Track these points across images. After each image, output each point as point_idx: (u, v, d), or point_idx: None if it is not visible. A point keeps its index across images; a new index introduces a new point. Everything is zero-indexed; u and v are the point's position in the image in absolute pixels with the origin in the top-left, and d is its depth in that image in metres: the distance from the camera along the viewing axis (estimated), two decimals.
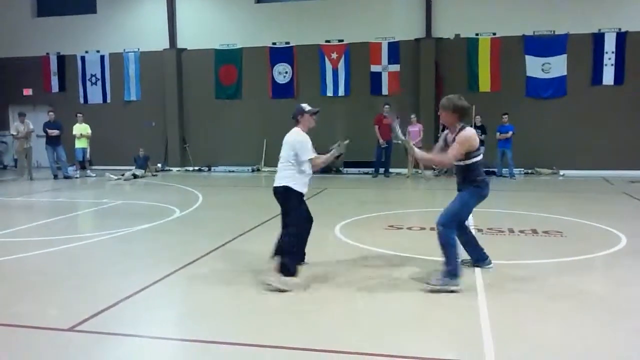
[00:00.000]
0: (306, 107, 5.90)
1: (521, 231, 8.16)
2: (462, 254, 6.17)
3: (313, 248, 6.37)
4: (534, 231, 8.14)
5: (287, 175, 5.68)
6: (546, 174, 16.14)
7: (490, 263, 6.10)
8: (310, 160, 5.70)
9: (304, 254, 6.17)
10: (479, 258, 6.09)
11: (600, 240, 7.57)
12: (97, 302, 5.07)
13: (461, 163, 5.55)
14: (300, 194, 5.72)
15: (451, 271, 5.35)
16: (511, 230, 8.22)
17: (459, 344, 4.21)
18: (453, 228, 5.50)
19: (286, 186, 5.65)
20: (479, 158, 5.58)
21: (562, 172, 16.07)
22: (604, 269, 6.44)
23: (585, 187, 13.65)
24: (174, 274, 6.04)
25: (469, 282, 5.63)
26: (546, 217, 9.35)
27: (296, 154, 5.66)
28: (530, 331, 4.42)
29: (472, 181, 5.56)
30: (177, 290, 5.61)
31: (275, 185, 5.77)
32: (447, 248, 5.43)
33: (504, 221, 9.07)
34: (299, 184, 5.69)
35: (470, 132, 5.48)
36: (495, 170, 15.84)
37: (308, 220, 6.05)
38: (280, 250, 5.66)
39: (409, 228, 8.55)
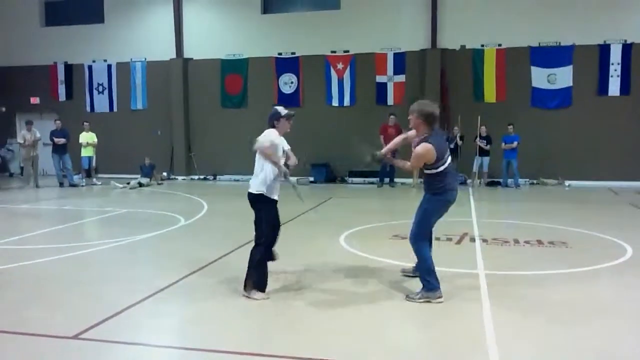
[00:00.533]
0: (283, 110, 5.70)
1: (526, 241, 8.14)
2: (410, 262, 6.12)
3: (318, 257, 6.37)
4: (539, 242, 8.12)
5: (259, 181, 5.55)
6: (552, 184, 16.09)
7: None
8: (260, 147, 5.40)
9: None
10: None
11: (605, 251, 7.54)
12: (102, 310, 5.09)
13: (426, 171, 5.51)
14: (272, 201, 5.62)
15: (427, 285, 5.34)
16: (516, 241, 8.19)
17: (464, 352, 4.20)
18: (424, 240, 5.50)
19: (257, 194, 5.55)
20: (442, 169, 5.42)
21: (567, 182, 16.02)
22: (610, 279, 6.40)
23: (591, 198, 13.61)
24: (178, 283, 6.05)
25: (474, 292, 5.63)
26: (551, 227, 9.32)
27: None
28: (535, 340, 4.41)
29: (430, 188, 5.51)
30: (181, 299, 5.61)
31: (248, 190, 5.66)
32: (422, 262, 5.43)
33: (509, 231, 9.05)
34: (270, 190, 5.57)
35: (424, 148, 5.29)
36: (501, 180, 15.82)
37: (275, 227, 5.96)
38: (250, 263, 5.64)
39: None
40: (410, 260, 6.80)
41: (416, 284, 5.56)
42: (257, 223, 5.63)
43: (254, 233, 5.66)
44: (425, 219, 5.52)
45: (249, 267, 5.57)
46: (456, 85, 16.87)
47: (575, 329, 4.71)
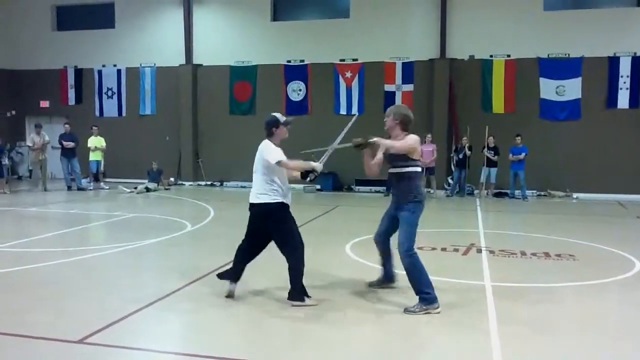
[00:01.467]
0: (281, 117, 5.61)
1: (533, 254, 8.09)
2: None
3: (323, 266, 6.36)
4: (546, 254, 8.07)
5: (265, 189, 5.41)
6: (559, 196, 16.01)
7: (395, 282, 6.06)
8: (279, 163, 5.34)
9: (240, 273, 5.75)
10: (389, 275, 6.05)
11: (613, 265, 7.49)
12: (107, 314, 5.09)
13: (402, 170, 5.48)
14: (286, 206, 5.48)
15: (428, 298, 5.29)
16: (523, 253, 8.15)
17: None
18: (415, 251, 5.42)
19: (277, 202, 5.39)
20: (418, 169, 5.53)
21: (575, 195, 15.94)
22: (618, 293, 6.36)
23: (599, 211, 13.54)
24: (184, 289, 6.04)
25: (480, 303, 5.60)
26: (559, 240, 9.27)
27: (265, 160, 5.39)
28: (541, 355, 4.37)
29: (412, 195, 5.45)
30: (186, 306, 5.59)
31: (253, 202, 5.48)
32: (416, 274, 5.36)
33: (516, 243, 9.01)
34: (280, 195, 5.43)
35: (415, 137, 5.49)
36: (508, 191, 15.77)
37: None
38: (234, 272, 5.61)
39: (420, 248, 8.42)
40: None
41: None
42: (286, 233, 5.46)
43: (251, 242, 5.61)
44: (413, 230, 5.45)
45: (294, 278, 5.42)
46: (464, 95, 16.87)
47: (582, 343, 4.68)
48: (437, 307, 5.28)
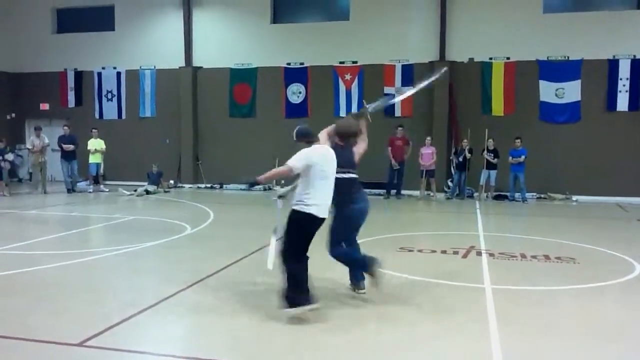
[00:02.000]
0: None
1: (533, 256, 8.09)
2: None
3: (322, 269, 6.33)
4: (546, 257, 8.07)
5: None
6: (559, 199, 16.00)
7: (364, 288, 6.04)
8: None
9: None
10: (358, 278, 6.10)
11: (613, 268, 7.49)
12: (107, 318, 5.09)
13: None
14: None
15: (360, 274, 5.69)
16: (523, 256, 8.14)
17: None
18: (338, 247, 5.71)
19: None
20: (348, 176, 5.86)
21: (575, 197, 15.93)
22: (618, 296, 6.35)
23: (599, 213, 13.54)
24: (183, 292, 6.04)
25: (480, 306, 5.60)
26: (559, 242, 9.27)
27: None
28: (541, 357, 4.37)
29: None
30: (186, 308, 5.58)
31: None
32: (348, 262, 5.77)
33: (515, 246, 9.01)
34: None
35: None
36: (508, 194, 15.77)
37: None
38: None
39: (420, 250, 8.51)
40: (414, 273, 6.79)
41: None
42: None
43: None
44: (335, 235, 5.79)
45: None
46: (464, 98, 16.87)
47: (582, 346, 4.68)
48: (379, 267, 5.49)
